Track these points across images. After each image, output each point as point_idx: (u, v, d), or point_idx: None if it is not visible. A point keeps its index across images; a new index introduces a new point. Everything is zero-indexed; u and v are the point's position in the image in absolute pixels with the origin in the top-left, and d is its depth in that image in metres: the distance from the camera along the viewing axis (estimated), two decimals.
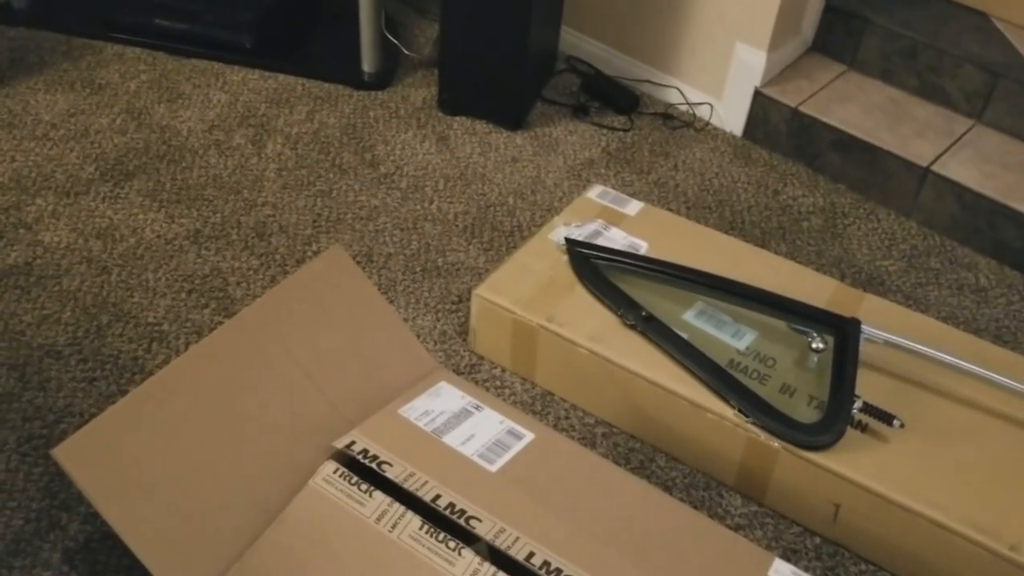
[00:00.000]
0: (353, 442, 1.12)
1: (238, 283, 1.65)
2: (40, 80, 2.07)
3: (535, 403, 1.51)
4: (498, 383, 1.54)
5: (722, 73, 2.10)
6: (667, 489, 1.40)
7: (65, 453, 1.00)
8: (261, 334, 1.20)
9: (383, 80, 2.18)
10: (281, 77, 2.16)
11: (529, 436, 1.20)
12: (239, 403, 1.13)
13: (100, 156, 1.89)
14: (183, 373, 1.12)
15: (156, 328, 1.55)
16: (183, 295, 1.62)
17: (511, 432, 1.19)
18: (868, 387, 1.37)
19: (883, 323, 1.44)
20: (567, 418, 1.50)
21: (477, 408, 1.23)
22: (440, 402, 1.23)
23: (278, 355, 1.20)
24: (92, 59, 2.15)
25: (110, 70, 2.12)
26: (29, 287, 1.60)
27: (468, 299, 1.64)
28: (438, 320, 1.63)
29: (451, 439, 1.17)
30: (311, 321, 1.24)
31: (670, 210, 1.90)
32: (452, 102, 2.11)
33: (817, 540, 1.36)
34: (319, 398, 1.19)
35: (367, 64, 2.15)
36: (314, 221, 1.80)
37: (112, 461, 1.02)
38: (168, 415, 1.08)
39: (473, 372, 1.55)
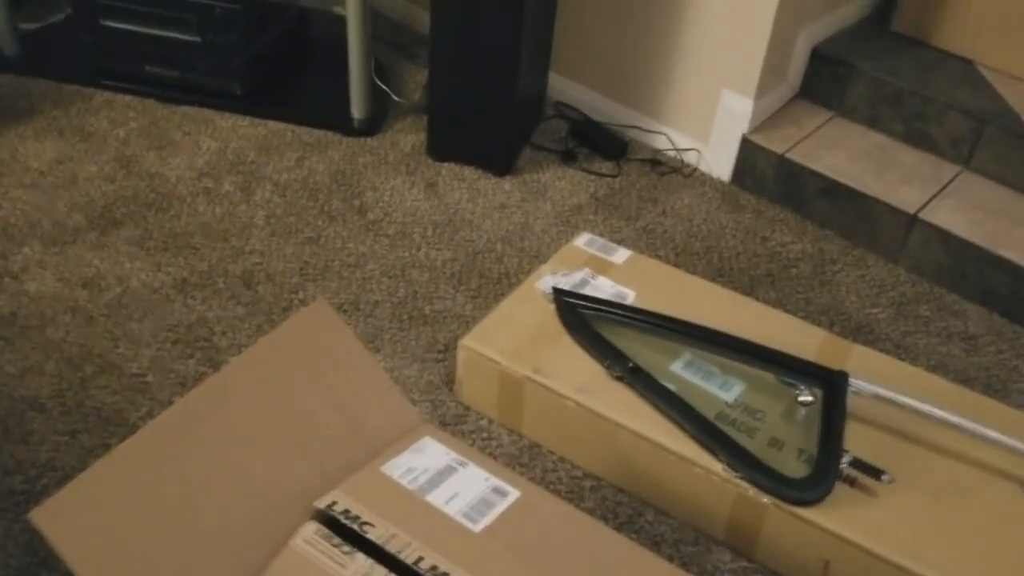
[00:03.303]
0: (335, 502, 1.11)
1: (223, 332, 1.64)
2: (29, 127, 2.07)
3: (522, 455, 1.50)
4: (484, 435, 1.53)
5: (709, 120, 2.11)
6: (655, 543, 1.39)
7: (42, 516, 0.98)
8: (243, 391, 1.18)
9: (372, 126, 2.18)
10: (270, 124, 2.17)
11: (515, 494, 1.18)
12: (220, 462, 1.12)
13: (88, 204, 1.88)
14: (163, 432, 1.10)
15: (140, 379, 1.54)
16: (168, 345, 1.61)
17: (496, 490, 1.18)
18: (857, 440, 1.36)
19: (872, 374, 1.44)
20: (554, 471, 1.48)
21: (462, 464, 1.22)
22: (424, 459, 1.22)
23: (260, 412, 1.18)
24: (82, 106, 2.15)
25: (99, 117, 2.12)
26: (13, 337, 1.59)
27: (454, 348, 1.63)
28: (424, 370, 1.62)
29: (435, 497, 1.15)
30: (294, 376, 1.23)
31: (658, 256, 1.90)
32: (441, 148, 2.11)
33: None
34: (302, 456, 1.18)
35: (357, 110, 2.16)
36: (301, 269, 1.80)
37: (90, 524, 1.00)
38: (147, 476, 1.06)
39: (459, 423, 1.54)
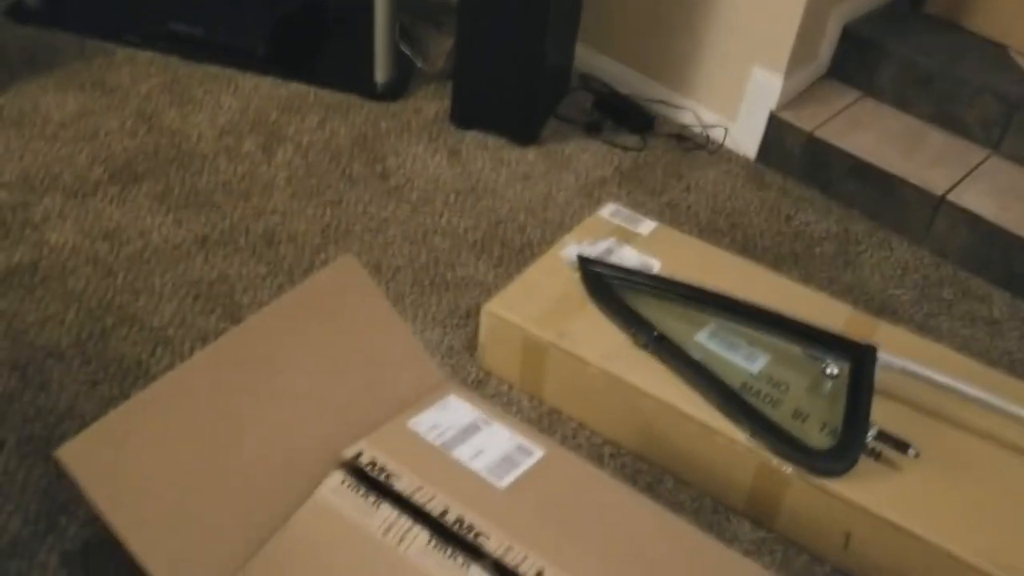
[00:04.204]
0: (361, 453, 1.10)
1: (245, 290, 1.63)
2: (51, 80, 2.05)
3: (542, 420, 1.49)
4: (505, 399, 1.52)
5: (737, 96, 2.09)
6: (675, 511, 1.38)
7: (68, 454, 0.97)
8: (269, 341, 1.18)
9: (396, 91, 2.17)
10: (293, 85, 2.15)
11: (539, 453, 1.18)
12: (246, 410, 1.11)
13: (109, 158, 1.87)
14: (190, 378, 1.10)
15: (161, 332, 1.53)
16: (189, 300, 1.60)
17: (521, 448, 1.17)
18: (883, 415, 1.35)
19: (898, 351, 1.42)
20: (574, 437, 1.47)
21: (486, 423, 1.21)
22: (449, 415, 1.21)
23: (286, 363, 1.18)
24: (104, 61, 2.13)
25: (122, 73, 2.11)
26: (34, 287, 1.58)
27: (476, 314, 1.62)
28: (446, 334, 1.61)
29: (460, 453, 1.14)
30: (320, 330, 1.22)
31: (682, 232, 1.89)
32: (465, 116, 2.10)
33: (827, 568, 1.33)
34: (327, 408, 1.17)
35: (380, 75, 2.14)
36: (323, 231, 1.78)
37: (115, 464, 1.00)
38: (173, 420, 1.05)
39: (480, 388, 1.53)
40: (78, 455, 0.98)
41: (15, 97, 1.98)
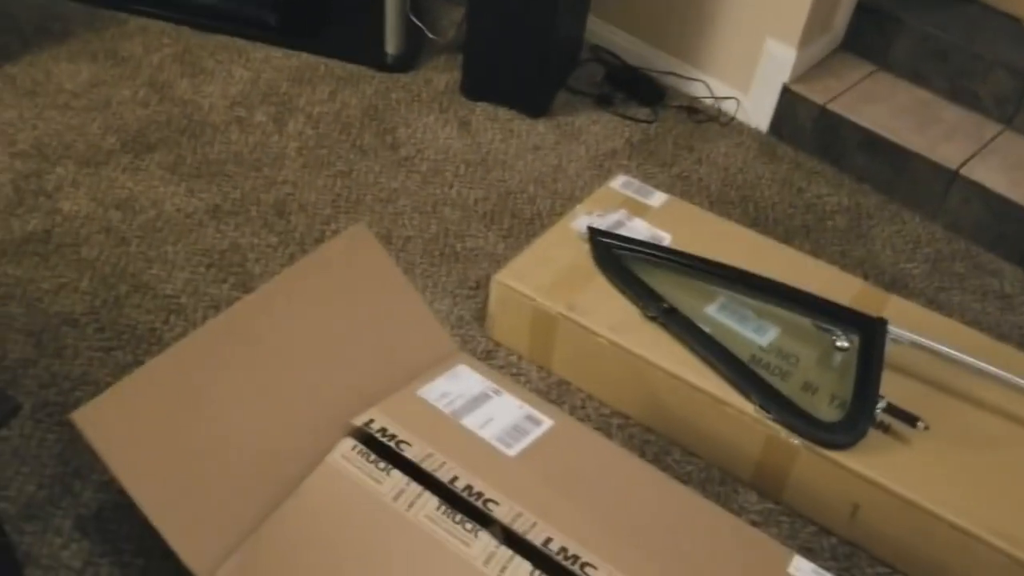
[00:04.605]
0: (372, 420, 1.11)
1: (256, 259, 1.64)
2: (63, 49, 2.05)
3: (551, 391, 1.50)
4: (514, 370, 1.53)
5: (750, 68, 2.08)
6: (682, 483, 1.39)
7: (84, 417, 0.99)
8: (282, 309, 1.18)
9: (406, 63, 2.16)
10: (304, 56, 2.15)
11: (548, 422, 1.18)
12: (258, 376, 1.12)
13: (121, 127, 1.88)
14: (203, 345, 1.11)
15: (174, 300, 1.54)
16: (201, 269, 1.60)
17: (530, 417, 1.18)
18: (892, 388, 1.35)
19: (908, 325, 1.42)
20: (583, 407, 1.48)
21: (496, 392, 1.22)
22: (459, 384, 1.22)
23: (298, 331, 1.19)
24: (116, 30, 2.13)
25: (133, 42, 2.11)
26: (48, 255, 1.59)
27: (486, 285, 1.62)
28: (455, 305, 1.62)
29: (469, 422, 1.15)
30: (332, 298, 1.23)
31: (693, 204, 1.89)
32: (475, 87, 2.09)
33: (833, 540, 1.34)
34: (338, 374, 1.18)
35: (391, 46, 2.13)
36: (333, 201, 1.79)
37: (131, 427, 1.01)
38: (187, 385, 1.06)
39: (489, 358, 1.54)
40: (93, 419, 0.99)
41: (28, 66, 1.99)
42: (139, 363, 1.43)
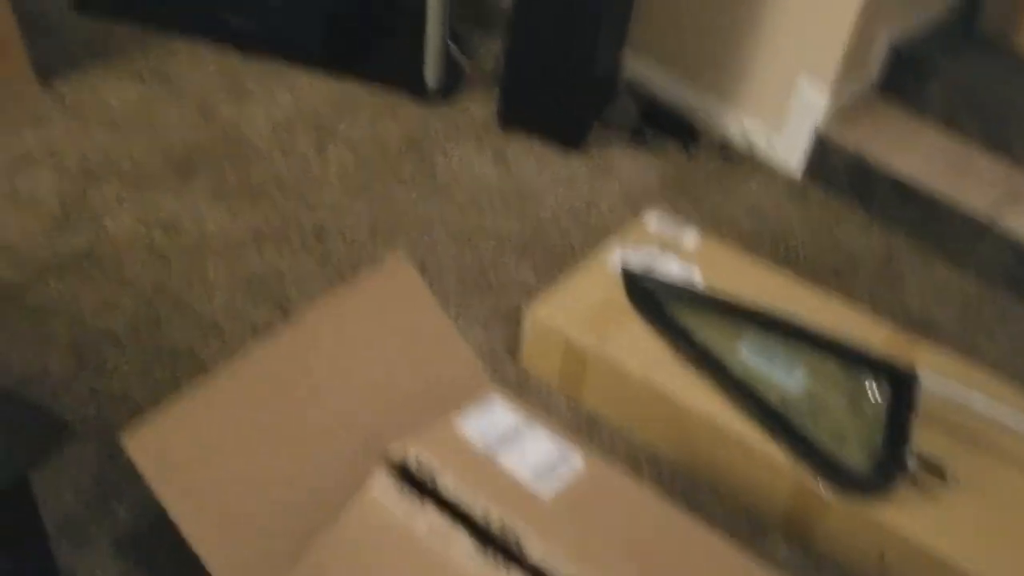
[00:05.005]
0: (407, 453, 1.13)
1: (295, 283, 1.67)
2: (112, 70, 2.10)
3: (581, 425, 1.51)
4: (545, 402, 1.54)
5: (783, 109, 2.09)
6: (709, 524, 1.40)
7: (133, 441, 1.01)
8: (322, 339, 1.21)
9: (445, 92, 2.19)
10: (345, 83, 2.19)
11: (579, 461, 1.20)
12: (298, 404, 1.15)
13: (166, 148, 1.92)
14: (245, 372, 1.13)
15: (213, 322, 1.57)
16: (241, 291, 1.64)
17: (561, 454, 1.20)
18: (922, 439, 1.36)
19: (939, 373, 1.43)
20: (612, 443, 1.50)
21: (529, 427, 1.23)
22: (492, 417, 1.24)
23: (337, 360, 1.21)
24: (163, 52, 2.18)
25: (180, 64, 2.15)
26: (91, 272, 1.62)
27: (518, 316, 1.64)
28: (487, 336, 1.64)
29: (503, 457, 1.17)
30: (370, 328, 1.25)
31: (725, 243, 1.90)
32: (512, 119, 2.12)
33: None
34: (375, 405, 1.20)
35: (430, 76, 2.17)
36: (371, 227, 1.82)
37: (177, 454, 1.03)
38: (231, 414, 1.09)
39: (521, 389, 1.56)
40: (142, 443, 1.02)
41: (78, 86, 2.03)
42: (177, 382, 1.46)
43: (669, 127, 2.19)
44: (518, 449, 1.19)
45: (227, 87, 2.11)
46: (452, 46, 2.19)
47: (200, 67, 2.15)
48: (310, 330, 1.21)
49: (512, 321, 1.67)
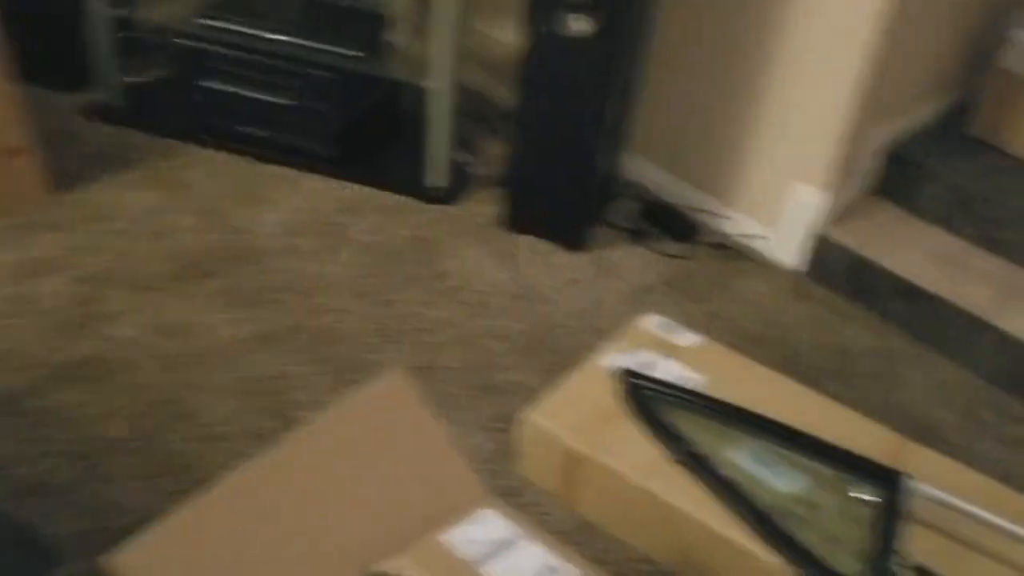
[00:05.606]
0: (397, 568, 1.15)
1: (301, 387, 1.71)
2: (129, 177, 2.18)
3: (575, 533, 1.52)
4: (541, 509, 1.55)
5: (780, 210, 2.14)
6: None
7: (124, 562, 1.04)
8: (316, 455, 1.24)
9: (452, 195, 2.26)
10: (355, 187, 2.26)
11: (576, 573, 1.21)
12: (288, 523, 1.17)
13: (180, 254, 1.98)
14: (239, 489, 1.16)
15: (219, 429, 1.61)
16: (247, 397, 1.67)
17: (553, 569, 1.21)
18: (917, 544, 1.35)
19: (936, 479, 1.43)
20: (607, 551, 1.50)
21: (521, 539, 1.25)
22: (484, 530, 1.25)
23: (330, 476, 1.23)
24: (179, 159, 2.26)
25: (196, 171, 2.23)
26: (98, 379, 1.67)
27: (519, 420, 1.67)
28: (488, 439, 1.66)
29: (491, 569, 1.18)
30: (365, 445, 1.28)
31: (725, 342, 1.92)
32: (517, 221, 2.18)
33: None
34: (368, 523, 1.22)
35: (437, 179, 2.24)
36: (379, 330, 1.86)
37: (168, 573, 1.06)
38: (223, 531, 1.11)
39: (516, 495, 1.57)
40: (133, 563, 1.04)
41: (96, 193, 2.11)
42: (182, 491, 1.48)
43: (670, 226, 2.24)
44: (509, 562, 1.20)
45: (240, 192, 2.18)
46: (457, 151, 2.26)
47: (216, 174, 2.23)
48: (303, 448, 1.24)
49: (514, 424, 1.69)
